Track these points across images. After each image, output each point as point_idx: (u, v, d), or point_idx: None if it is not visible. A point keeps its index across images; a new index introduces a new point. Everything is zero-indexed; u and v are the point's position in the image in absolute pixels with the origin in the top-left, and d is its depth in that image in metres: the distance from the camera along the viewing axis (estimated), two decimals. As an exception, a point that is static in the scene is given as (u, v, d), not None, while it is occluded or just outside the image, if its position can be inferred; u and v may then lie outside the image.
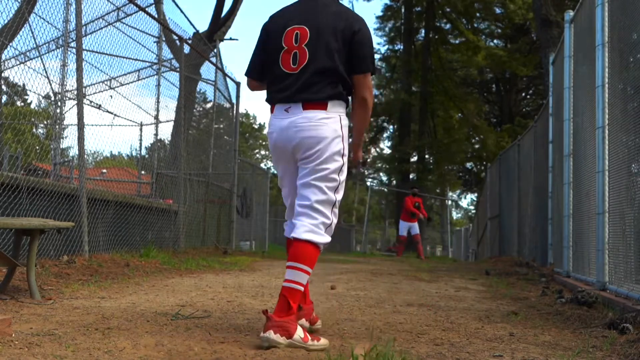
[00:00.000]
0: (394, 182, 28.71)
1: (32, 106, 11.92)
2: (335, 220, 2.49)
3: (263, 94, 2.69)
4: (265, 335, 2.27)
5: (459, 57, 26.23)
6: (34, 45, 7.09)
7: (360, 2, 71.23)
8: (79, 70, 5.64)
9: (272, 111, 2.58)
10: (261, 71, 2.65)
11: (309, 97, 2.44)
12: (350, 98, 2.60)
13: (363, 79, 2.50)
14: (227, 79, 10.78)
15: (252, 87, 2.74)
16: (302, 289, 2.36)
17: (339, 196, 2.49)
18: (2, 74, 7.58)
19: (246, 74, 2.72)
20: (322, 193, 2.43)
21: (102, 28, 7.79)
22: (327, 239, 2.45)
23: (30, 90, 7.94)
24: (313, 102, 2.44)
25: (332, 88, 2.45)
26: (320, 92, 2.44)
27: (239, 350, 2.23)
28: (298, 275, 2.35)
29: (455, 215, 49.50)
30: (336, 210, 2.49)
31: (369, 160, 34.83)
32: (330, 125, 2.44)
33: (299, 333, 2.30)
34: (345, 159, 2.50)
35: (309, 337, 2.33)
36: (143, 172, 9.60)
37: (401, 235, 14.39)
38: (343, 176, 2.50)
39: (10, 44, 6.09)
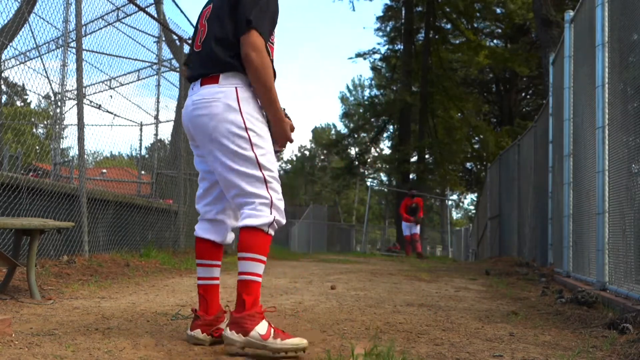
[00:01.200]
0: (394, 182, 28.70)
1: (32, 106, 11.92)
2: (276, 196, 2.26)
3: None
4: (224, 333, 2.15)
5: (460, 57, 26.23)
6: (34, 45, 7.10)
7: (361, 1, 71.15)
8: (79, 70, 5.65)
9: None
10: None
11: (204, 71, 2.29)
12: None
13: (244, 39, 2.20)
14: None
15: None
16: (258, 279, 2.18)
17: (267, 171, 2.25)
18: (2, 74, 7.59)
19: None
20: (245, 176, 2.22)
21: (102, 28, 7.80)
22: (268, 218, 2.21)
23: (30, 90, 7.95)
24: (208, 77, 2.28)
25: (224, 58, 2.25)
26: (214, 66, 2.27)
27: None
28: (248, 265, 2.17)
29: (455, 215, 49.58)
30: (273, 185, 2.26)
31: (369, 160, 34.57)
32: (222, 100, 2.23)
33: (258, 330, 2.09)
34: (252, 133, 2.23)
35: (272, 334, 2.10)
36: (143, 172, 9.59)
37: (406, 236, 15.18)
38: (259, 150, 2.24)
39: (10, 44, 6.09)
